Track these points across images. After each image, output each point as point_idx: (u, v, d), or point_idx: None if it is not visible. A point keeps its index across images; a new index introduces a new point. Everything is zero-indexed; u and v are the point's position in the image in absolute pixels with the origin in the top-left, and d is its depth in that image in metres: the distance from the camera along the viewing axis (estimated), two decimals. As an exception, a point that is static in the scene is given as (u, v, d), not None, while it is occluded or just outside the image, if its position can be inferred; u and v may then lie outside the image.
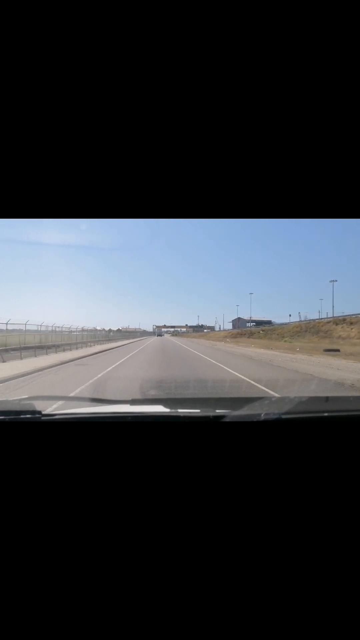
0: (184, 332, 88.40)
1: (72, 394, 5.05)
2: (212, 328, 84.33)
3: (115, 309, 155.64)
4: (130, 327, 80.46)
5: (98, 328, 43.62)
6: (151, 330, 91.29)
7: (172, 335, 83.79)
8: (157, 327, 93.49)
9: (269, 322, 64.34)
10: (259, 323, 65.94)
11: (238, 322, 72.29)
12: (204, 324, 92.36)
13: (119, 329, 59.84)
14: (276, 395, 3.09)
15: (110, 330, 50.50)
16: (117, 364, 10.61)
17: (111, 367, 9.54)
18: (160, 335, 73.27)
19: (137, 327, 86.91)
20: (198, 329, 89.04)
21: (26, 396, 1.41)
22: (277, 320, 66.37)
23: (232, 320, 76.27)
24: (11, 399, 1.38)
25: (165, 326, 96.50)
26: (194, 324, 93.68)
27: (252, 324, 68.00)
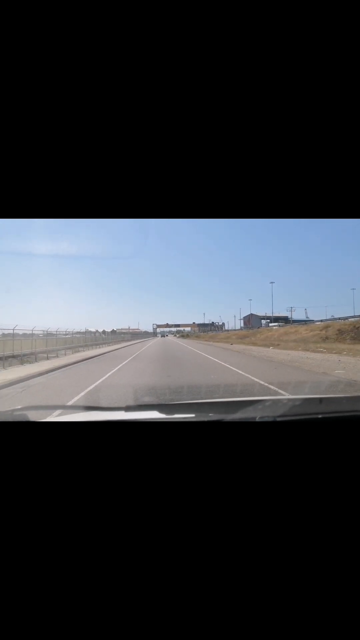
0: (189, 332, 79.30)
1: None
2: (220, 327, 77.29)
3: (112, 309, 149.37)
4: (131, 327, 74.16)
5: (92, 330, 38.55)
6: (151, 330, 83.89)
7: (179, 336, 67.91)
8: (159, 326, 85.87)
9: (285, 319, 57.95)
10: (273, 320, 59.64)
11: (251, 319, 65.65)
12: (214, 321, 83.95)
13: (113, 330, 54.00)
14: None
15: (104, 332, 44.91)
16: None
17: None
18: (163, 336, 67.12)
19: (136, 327, 79.99)
20: (206, 327, 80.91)
21: (19, 407, 1.37)
22: (294, 316, 60.12)
23: (244, 317, 69.67)
24: (3, 410, 1.36)
25: (167, 325, 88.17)
26: (200, 322, 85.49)
27: (267, 320, 61.67)
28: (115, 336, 42.00)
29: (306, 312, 53.48)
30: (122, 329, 62.39)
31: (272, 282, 73.17)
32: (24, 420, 1.21)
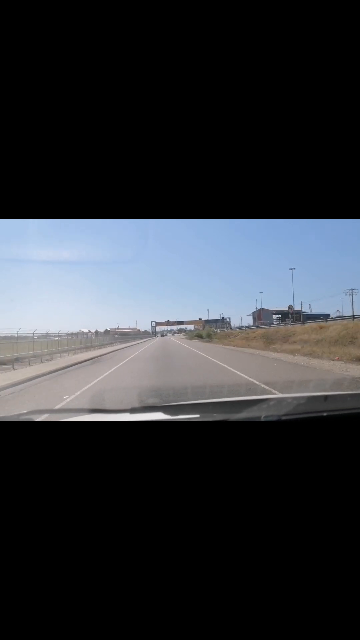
0: (191, 331, 73.24)
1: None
2: (227, 324, 71.95)
3: (112, 309, 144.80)
4: (130, 326, 69.66)
5: (84, 330, 34.64)
6: (150, 330, 78.51)
7: (185, 336, 52.79)
8: (158, 324, 79.72)
9: (298, 314, 52.72)
10: (285, 315, 54.56)
11: (261, 314, 60.52)
12: (224, 317, 77.04)
13: (106, 329, 49.85)
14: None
15: (96, 333, 40.84)
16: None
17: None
18: (163, 335, 62.17)
19: (134, 326, 74.79)
20: (213, 324, 74.60)
21: (25, 411, 1.38)
22: (319, 309, 54.84)
23: (252, 312, 64.60)
24: (10, 414, 1.35)
25: (168, 322, 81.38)
26: (207, 318, 79.07)
27: (277, 316, 56.63)
28: (105, 338, 37.62)
29: (310, 307, 47.18)
30: (114, 329, 57.86)
31: (292, 269, 57.93)
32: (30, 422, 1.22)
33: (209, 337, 36.86)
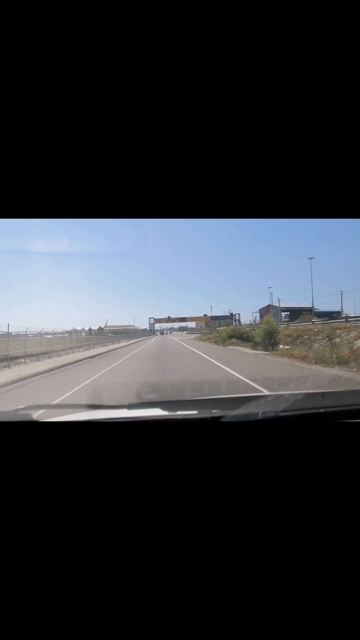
0: (193, 329, 69.01)
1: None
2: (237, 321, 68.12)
3: (111, 306, 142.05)
4: (129, 324, 66.80)
5: (78, 328, 32.23)
6: (148, 328, 74.90)
7: (204, 337, 33.00)
8: (157, 320, 75.35)
9: (309, 311, 49.12)
10: (295, 312, 51.09)
11: (269, 312, 56.97)
12: (232, 312, 71.43)
13: (100, 327, 47.25)
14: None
15: (91, 331, 38.30)
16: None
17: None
18: (162, 333, 59.19)
19: (132, 323, 71.77)
20: (219, 320, 69.73)
21: (22, 406, 1.38)
22: (321, 307, 51.15)
23: (260, 309, 61.03)
24: (7, 409, 1.36)
25: (169, 319, 76.41)
26: (213, 315, 74.19)
27: (286, 313, 53.13)
28: (92, 337, 34.87)
29: (313, 305, 42.98)
30: (109, 327, 55.09)
31: (311, 258, 47.13)
32: (28, 419, 1.23)
33: (273, 341, 16.24)
